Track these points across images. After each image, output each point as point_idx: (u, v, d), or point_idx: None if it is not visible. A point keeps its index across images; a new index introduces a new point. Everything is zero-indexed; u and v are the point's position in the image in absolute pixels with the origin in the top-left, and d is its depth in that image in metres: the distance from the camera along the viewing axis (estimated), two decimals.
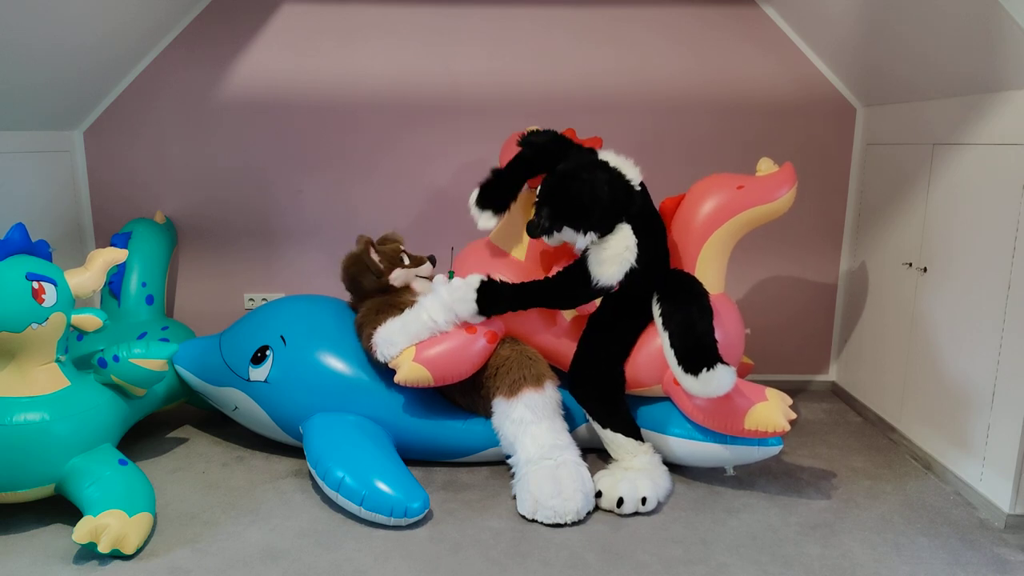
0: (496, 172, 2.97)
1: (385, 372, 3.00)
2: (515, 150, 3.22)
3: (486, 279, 2.81)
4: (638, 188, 2.84)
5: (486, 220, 2.94)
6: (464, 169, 3.93)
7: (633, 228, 2.78)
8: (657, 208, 3.12)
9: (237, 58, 3.79)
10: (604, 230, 2.75)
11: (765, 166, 3.02)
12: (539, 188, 2.83)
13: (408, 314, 2.84)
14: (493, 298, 2.78)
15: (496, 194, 2.95)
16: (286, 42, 3.78)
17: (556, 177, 2.74)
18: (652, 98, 3.89)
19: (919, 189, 3.28)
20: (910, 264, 3.34)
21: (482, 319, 2.81)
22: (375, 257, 3.11)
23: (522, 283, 2.84)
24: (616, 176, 2.77)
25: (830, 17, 3.41)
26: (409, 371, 2.75)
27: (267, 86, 3.82)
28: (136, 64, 3.74)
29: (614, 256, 2.75)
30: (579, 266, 2.80)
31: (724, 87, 3.88)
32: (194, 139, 3.86)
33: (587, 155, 2.84)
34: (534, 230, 2.81)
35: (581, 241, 2.76)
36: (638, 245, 2.76)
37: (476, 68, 3.84)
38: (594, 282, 2.76)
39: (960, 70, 2.87)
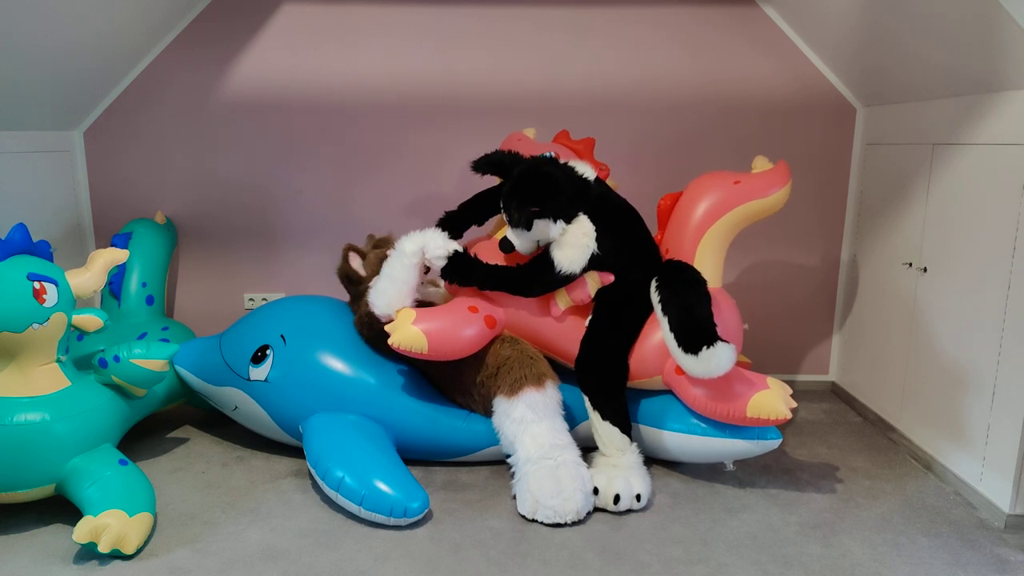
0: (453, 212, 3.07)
1: (385, 372, 3.00)
2: (512, 148, 3.25)
3: (462, 251, 2.89)
4: (591, 180, 2.93)
5: (437, 239, 2.94)
6: (464, 168, 3.93)
7: (591, 217, 2.86)
8: (657, 204, 3.20)
9: (237, 58, 3.79)
10: (568, 217, 2.84)
11: (760, 163, 3.12)
12: (502, 194, 2.89)
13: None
14: (464, 268, 2.87)
15: (455, 222, 3.04)
16: (286, 42, 3.78)
17: (516, 177, 2.84)
18: (652, 98, 3.90)
19: (919, 189, 3.28)
20: (910, 264, 3.34)
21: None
22: (354, 264, 3.13)
23: (495, 265, 2.91)
24: (567, 168, 2.89)
25: (830, 17, 3.41)
26: (405, 334, 2.74)
27: (267, 86, 3.82)
28: (136, 64, 3.74)
29: (573, 242, 2.82)
30: (543, 255, 2.88)
31: (724, 87, 3.88)
32: (194, 139, 3.86)
33: (537, 158, 2.96)
34: (508, 245, 2.91)
35: (554, 230, 2.82)
36: (597, 231, 2.85)
37: (476, 68, 3.84)
38: (557, 269, 2.84)
39: (960, 70, 2.87)
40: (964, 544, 2.58)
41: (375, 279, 3.07)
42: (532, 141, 3.40)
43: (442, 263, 2.86)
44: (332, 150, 3.91)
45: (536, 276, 2.88)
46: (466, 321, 2.82)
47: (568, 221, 2.83)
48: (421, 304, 2.98)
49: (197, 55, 3.78)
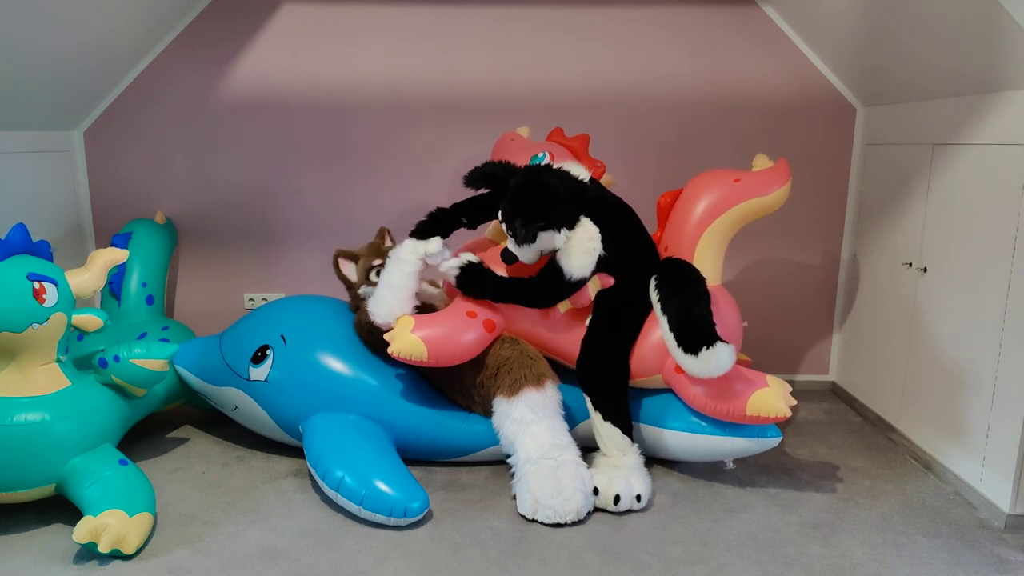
0: (438, 211, 2.99)
1: (384, 372, 3.00)
2: (506, 149, 3.23)
3: (478, 262, 2.86)
4: (587, 181, 2.88)
5: (435, 245, 2.90)
6: (464, 169, 3.91)
7: (592, 219, 2.84)
8: (657, 201, 3.20)
9: (237, 58, 3.79)
10: (571, 224, 2.80)
11: (760, 162, 3.14)
12: (501, 207, 2.84)
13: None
14: (477, 280, 2.85)
15: (438, 226, 2.95)
16: (286, 42, 3.78)
17: (514, 190, 2.78)
18: (652, 98, 3.90)
19: (919, 189, 3.28)
20: (910, 264, 3.34)
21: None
22: (345, 270, 3.13)
23: (507, 277, 2.89)
24: (562, 173, 2.83)
25: (830, 17, 3.41)
26: (405, 342, 2.73)
27: (267, 86, 3.82)
28: (136, 64, 3.74)
29: (579, 248, 2.80)
30: (552, 265, 2.85)
31: (724, 87, 3.88)
32: (194, 139, 3.86)
33: (530, 167, 2.90)
34: (510, 256, 2.85)
35: (558, 239, 2.78)
36: (601, 232, 2.83)
37: (476, 68, 3.84)
38: (567, 276, 2.81)
39: (960, 70, 2.87)
40: (964, 544, 2.58)
41: (364, 287, 3.07)
42: (525, 140, 3.35)
43: (455, 272, 2.84)
44: (332, 150, 3.91)
45: (548, 286, 2.85)
46: (465, 326, 2.81)
47: (571, 228, 2.81)
48: (421, 307, 2.97)
49: (197, 55, 3.78)
